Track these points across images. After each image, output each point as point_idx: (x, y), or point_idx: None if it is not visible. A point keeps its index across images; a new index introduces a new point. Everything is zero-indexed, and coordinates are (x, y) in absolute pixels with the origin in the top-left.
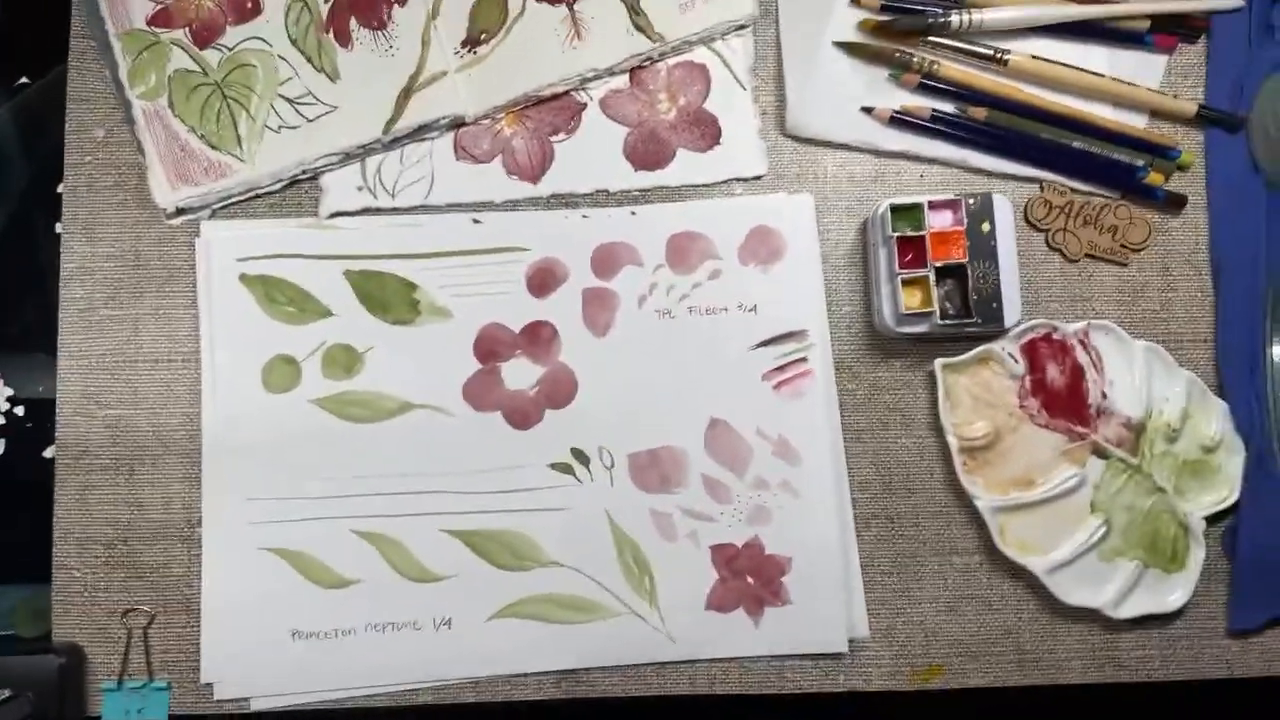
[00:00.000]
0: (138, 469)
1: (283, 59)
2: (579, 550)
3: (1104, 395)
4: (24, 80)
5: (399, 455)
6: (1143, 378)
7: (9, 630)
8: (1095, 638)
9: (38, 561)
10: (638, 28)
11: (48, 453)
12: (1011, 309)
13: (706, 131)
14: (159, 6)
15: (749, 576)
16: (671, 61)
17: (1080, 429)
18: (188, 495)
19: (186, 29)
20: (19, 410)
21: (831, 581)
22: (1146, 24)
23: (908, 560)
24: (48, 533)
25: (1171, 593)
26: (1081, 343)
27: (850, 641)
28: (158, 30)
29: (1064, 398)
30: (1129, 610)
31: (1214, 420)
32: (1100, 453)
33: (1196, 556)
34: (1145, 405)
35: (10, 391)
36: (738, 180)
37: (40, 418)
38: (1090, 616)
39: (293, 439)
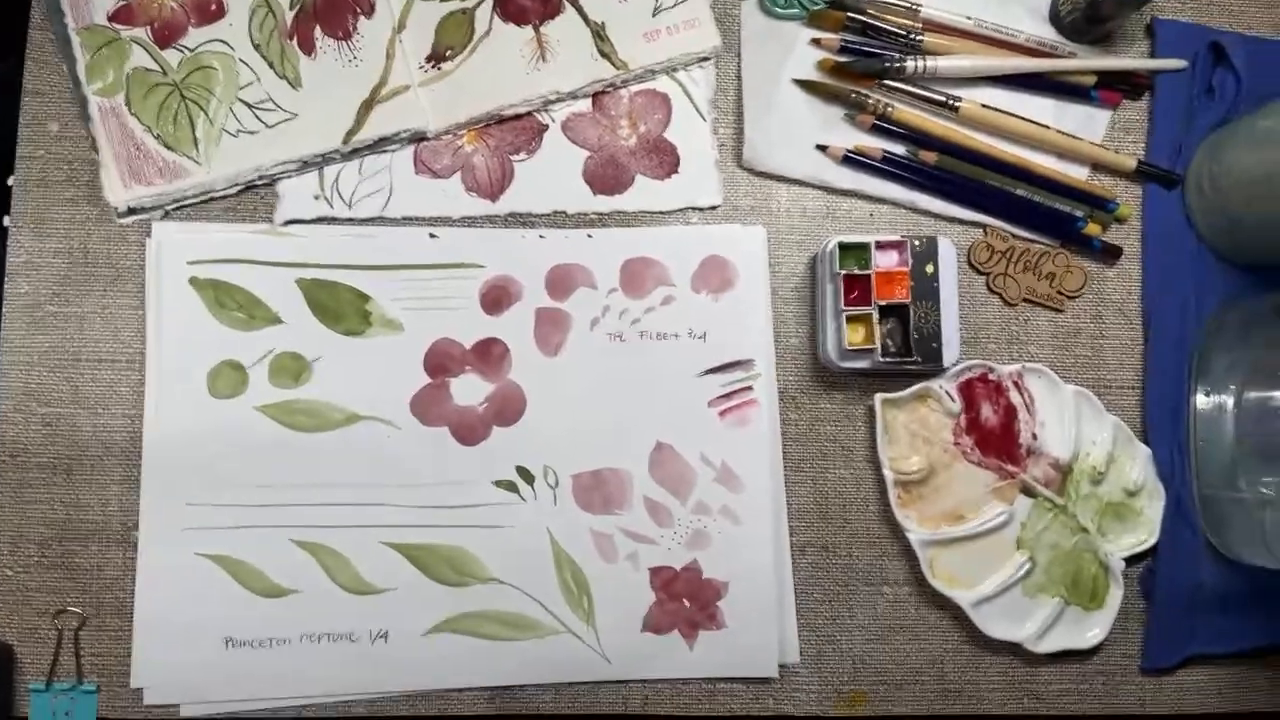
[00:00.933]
0: (76, 469)
1: (244, 63)
2: (519, 568)
3: (1034, 436)
4: None
5: (343, 466)
6: (1072, 421)
7: None
8: (1016, 670)
9: None
10: (602, 54)
11: None
12: (950, 349)
13: (665, 159)
14: (121, 3)
15: (685, 599)
16: (634, 89)
17: (1010, 468)
18: (125, 498)
19: (148, 27)
20: None
21: (765, 607)
22: (1093, 79)
23: (840, 589)
24: None
25: (1090, 630)
26: (1015, 384)
27: (781, 667)
28: (118, 27)
29: (996, 437)
30: (1049, 645)
31: (1137, 465)
32: (1028, 491)
33: (1115, 596)
34: (1073, 448)
35: None
36: (694, 209)
37: None
38: (1012, 650)
39: (236, 445)
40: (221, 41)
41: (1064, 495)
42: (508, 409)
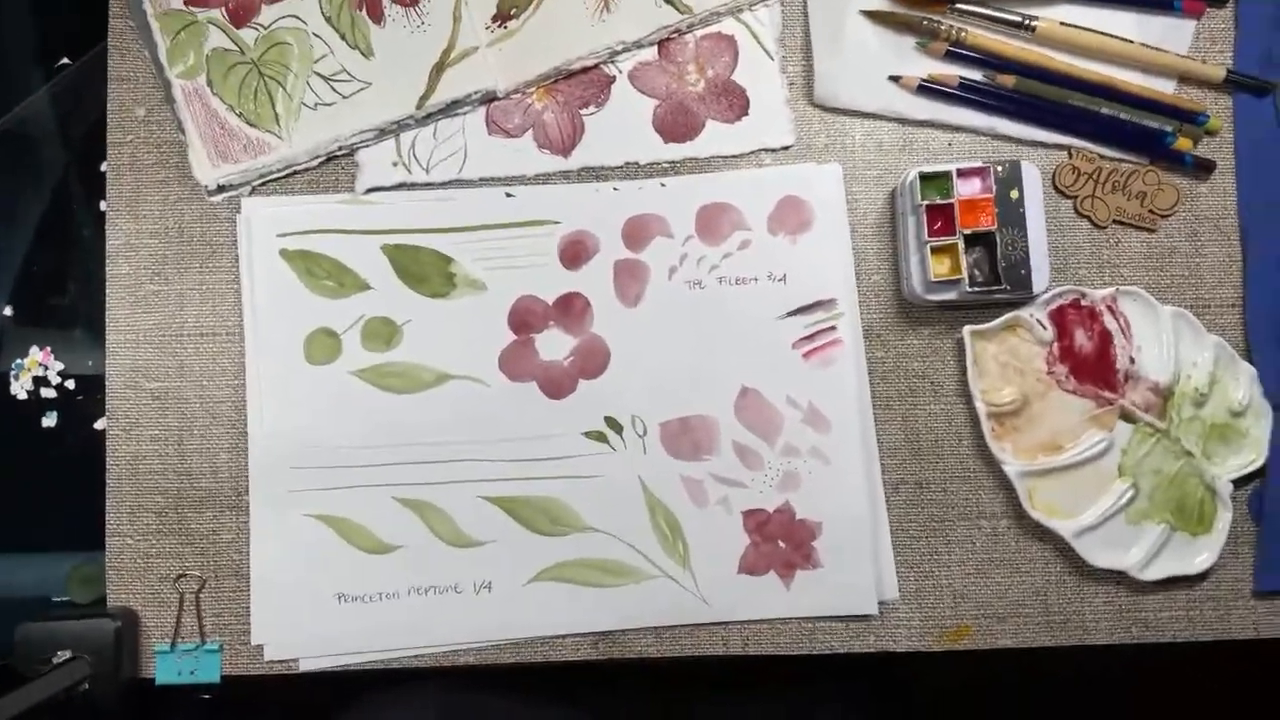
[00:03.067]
0: (186, 440)
1: (317, 36)
2: (613, 516)
3: (1132, 361)
4: (65, 61)
5: (438, 424)
6: (1170, 343)
7: (63, 597)
8: (1122, 599)
9: (90, 530)
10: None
11: (99, 424)
12: (1040, 276)
13: (734, 102)
14: None
15: (780, 541)
16: (699, 33)
17: (1108, 394)
18: (235, 464)
19: (223, 8)
20: (69, 384)
21: (861, 545)
22: None
23: (936, 524)
24: (99, 502)
25: (1198, 555)
26: (1109, 309)
27: (880, 603)
28: (195, 10)
29: (1092, 363)
30: (1155, 572)
31: (1242, 384)
32: (1128, 417)
33: (1223, 519)
34: (1173, 370)
35: (61, 366)
36: (766, 151)
37: (90, 390)
38: (1117, 579)
39: (335, 409)
40: (294, 16)
41: (1165, 419)
42: (592, 361)
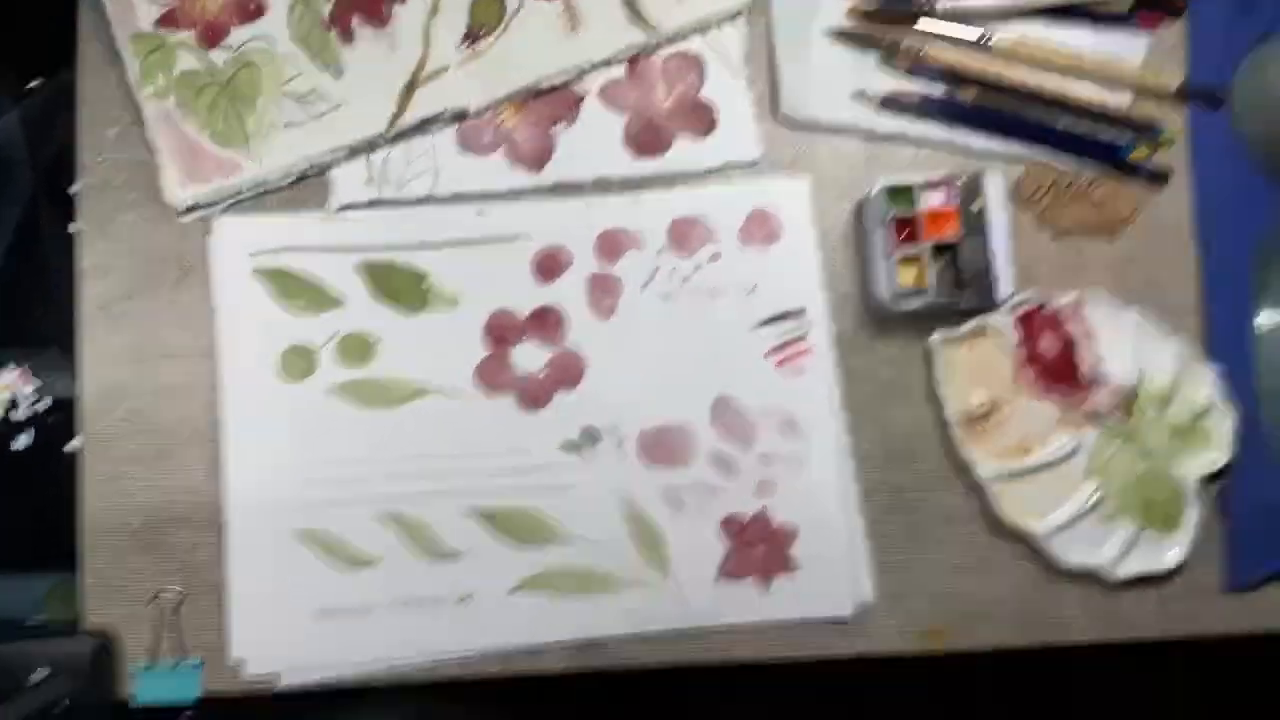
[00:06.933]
0: (161, 459)
1: (287, 57)
2: (593, 525)
3: (1097, 364)
4: (35, 83)
5: (414, 438)
6: (1133, 347)
7: (40, 617)
8: (1095, 599)
9: (65, 549)
10: (633, 19)
11: (72, 444)
12: (1004, 283)
13: (702, 118)
14: (165, 9)
15: (757, 546)
16: (667, 52)
17: (1074, 398)
18: (211, 484)
19: (193, 30)
20: (41, 405)
21: (837, 549)
22: (1128, 3)
23: (912, 528)
24: (73, 522)
25: (1168, 551)
26: (1074, 314)
27: (858, 607)
28: (164, 32)
29: (1058, 368)
30: (1127, 569)
31: (1204, 386)
32: (1095, 420)
33: (1191, 517)
34: (1137, 373)
35: (39, 382)
36: (734, 166)
37: (66, 409)
38: (1090, 578)
39: (311, 426)
40: (263, 38)
41: (1131, 421)
42: (568, 373)
